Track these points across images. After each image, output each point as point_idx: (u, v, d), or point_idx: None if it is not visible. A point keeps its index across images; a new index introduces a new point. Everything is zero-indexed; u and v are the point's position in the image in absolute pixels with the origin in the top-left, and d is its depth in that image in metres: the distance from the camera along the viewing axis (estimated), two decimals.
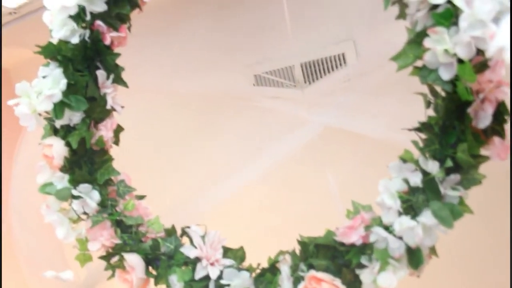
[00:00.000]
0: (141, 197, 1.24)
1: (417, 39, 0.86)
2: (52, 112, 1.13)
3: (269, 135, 1.72)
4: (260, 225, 1.97)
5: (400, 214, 0.94)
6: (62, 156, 1.16)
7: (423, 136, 0.95)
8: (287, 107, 1.76)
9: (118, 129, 1.24)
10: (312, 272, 1.00)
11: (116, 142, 1.25)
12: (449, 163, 0.88)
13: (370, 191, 1.02)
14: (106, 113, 1.20)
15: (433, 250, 0.95)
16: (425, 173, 0.92)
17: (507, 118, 0.86)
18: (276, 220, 1.94)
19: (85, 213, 1.17)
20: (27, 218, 1.60)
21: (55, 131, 1.18)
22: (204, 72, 1.94)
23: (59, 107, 1.12)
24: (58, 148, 1.15)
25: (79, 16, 1.13)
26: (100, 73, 1.17)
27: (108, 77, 1.18)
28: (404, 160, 0.96)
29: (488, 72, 0.80)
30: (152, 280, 1.16)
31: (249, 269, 1.11)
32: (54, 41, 1.15)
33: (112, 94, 1.19)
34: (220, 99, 1.95)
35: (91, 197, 1.15)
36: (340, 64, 1.84)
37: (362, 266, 0.97)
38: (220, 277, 1.10)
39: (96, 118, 1.19)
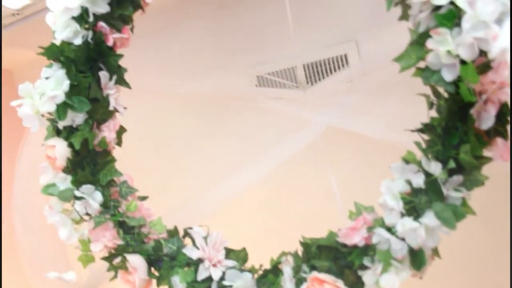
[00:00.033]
0: (143, 198, 1.24)
1: (419, 40, 0.86)
2: (55, 113, 1.13)
3: (271, 135, 1.72)
4: (262, 226, 1.97)
5: (402, 215, 0.94)
6: (65, 157, 1.16)
7: (426, 137, 0.95)
8: (289, 108, 1.76)
9: (121, 130, 1.25)
10: (315, 273, 1.00)
11: (119, 143, 1.25)
12: (451, 164, 0.88)
13: (372, 192, 1.02)
14: (108, 114, 1.20)
15: (435, 252, 0.95)
16: (427, 174, 0.92)
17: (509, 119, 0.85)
18: (278, 221, 1.94)
19: (87, 214, 1.17)
20: (30, 219, 1.60)
21: (58, 132, 1.18)
22: (206, 73, 1.94)
23: (62, 108, 1.13)
24: (60, 149, 1.15)
25: (82, 18, 1.13)
26: (103, 74, 1.17)
27: (110, 78, 1.18)
28: (406, 161, 0.96)
29: (491, 73, 0.80)
30: (154, 281, 1.16)
31: (252, 270, 1.11)
32: (57, 42, 1.15)
33: (115, 95, 1.19)
34: (222, 100, 1.95)
35: (93, 198, 1.15)
36: (343, 65, 1.84)
37: (364, 268, 0.97)
38: (222, 278, 1.10)
39: (99, 119, 1.19)
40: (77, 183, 1.16)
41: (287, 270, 1.06)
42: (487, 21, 0.76)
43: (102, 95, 1.18)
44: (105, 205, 1.17)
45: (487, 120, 0.84)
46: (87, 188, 1.16)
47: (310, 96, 1.76)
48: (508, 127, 0.85)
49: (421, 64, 0.86)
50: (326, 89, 1.77)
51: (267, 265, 1.11)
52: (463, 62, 0.80)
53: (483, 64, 0.80)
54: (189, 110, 2.09)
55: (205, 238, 1.13)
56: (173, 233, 1.20)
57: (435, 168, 0.90)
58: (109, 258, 1.18)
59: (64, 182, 1.17)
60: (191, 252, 1.12)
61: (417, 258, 0.92)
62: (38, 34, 1.30)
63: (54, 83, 1.13)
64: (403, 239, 0.92)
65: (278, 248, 1.12)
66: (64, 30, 1.13)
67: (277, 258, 1.10)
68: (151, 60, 1.89)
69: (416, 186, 0.93)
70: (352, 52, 1.82)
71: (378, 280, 0.93)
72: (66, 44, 1.14)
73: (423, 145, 0.94)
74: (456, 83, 0.83)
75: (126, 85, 1.21)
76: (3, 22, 1.80)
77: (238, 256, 1.13)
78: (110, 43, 1.17)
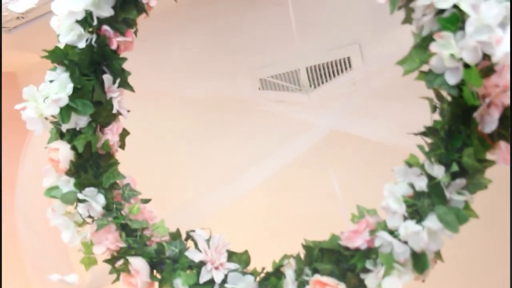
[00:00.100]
0: (146, 201, 1.24)
1: (423, 44, 0.86)
2: (59, 116, 1.14)
3: (274, 138, 1.72)
4: (265, 229, 1.97)
5: (405, 218, 0.94)
6: (68, 160, 1.16)
7: (429, 140, 0.95)
8: (292, 111, 1.76)
9: (124, 133, 1.25)
10: (317, 277, 1.00)
11: (122, 146, 1.26)
12: (454, 167, 0.88)
13: (375, 195, 1.02)
14: (112, 117, 1.21)
15: (438, 255, 0.95)
16: (430, 178, 0.92)
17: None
18: (281, 223, 1.94)
19: (90, 216, 1.17)
20: (33, 221, 1.60)
21: (61, 135, 1.18)
22: (209, 75, 1.94)
23: (66, 111, 1.13)
24: (64, 152, 1.15)
25: (86, 21, 1.13)
26: (107, 78, 1.18)
27: (114, 82, 1.19)
28: (409, 164, 0.96)
29: (494, 76, 0.80)
30: (156, 284, 1.16)
31: (254, 273, 1.11)
32: (61, 45, 1.16)
33: (118, 98, 1.19)
34: (225, 103, 1.96)
35: (96, 200, 1.15)
36: (346, 68, 1.84)
37: (367, 271, 0.97)
38: (224, 281, 1.10)
39: (102, 122, 1.20)
40: (80, 186, 1.16)
41: (289, 273, 1.06)
42: (490, 25, 0.76)
43: (106, 98, 1.18)
44: (107, 208, 1.17)
45: (490, 123, 0.84)
46: (90, 190, 1.16)
47: (313, 99, 1.76)
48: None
49: (425, 68, 0.86)
50: (329, 92, 1.77)
51: (269, 268, 1.11)
52: (466, 66, 0.80)
53: (487, 68, 0.80)
54: (191, 112, 2.10)
55: (208, 241, 1.13)
56: (175, 235, 1.20)
57: (438, 171, 0.90)
58: (111, 261, 1.18)
59: (67, 184, 1.17)
60: (193, 255, 1.12)
61: (419, 261, 0.92)
62: (42, 38, 1.31)
63: (58, 86, 1.13)
64: (405, 242, 0.92)
65: (280, 251, 1.12)
66: (68, 34, 1.14)
67: (279, 261, 1.10)
68: (155, 62, 1.90)
69: (419, 189, 0.93)
70: (355, 55, 1.82)
71: (381, 283, 0.93)
72: (70, 47, 1.15)
73: (426, 148, 0.94)
74: (460, 86, 0.83)
75: (130, 88, 1.22)
76: (8, 25, 1.81)
77: (240, 259, 1.13)
78: (114, 46, 1.17)
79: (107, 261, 1.18)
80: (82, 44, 1.15)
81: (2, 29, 1.84)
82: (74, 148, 1.16)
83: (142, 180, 1.29)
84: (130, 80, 1.23)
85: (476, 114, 0.84)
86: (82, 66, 1.15)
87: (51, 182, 1.19)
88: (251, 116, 1.90)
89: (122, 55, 1.21)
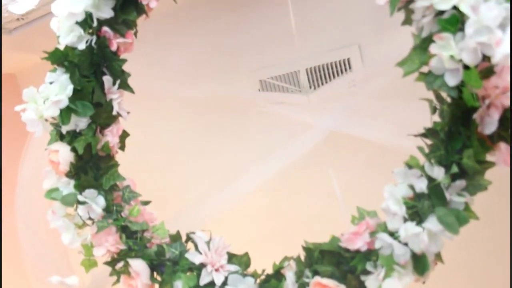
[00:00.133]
0: (146, 203, 1.24)
1: (423, 45, 0.86)
2: (59, 117, 1.14)
3: (274, 140, 1.72)
4: (265, 231, 1.96)
5: (405, 220, 0.94)
6: (68, 161, 1.16)
7: (429, 142, 0.95)
8: (292, 112, 1.76)
9: (124, 135, 1.25)
10: (317, 278, 1.00)
11: (122, 147, 1.26)
12: (454, 169, 0.87)
13: (375, 196, 1.02)
14: (112, 119, 1.21)
15: (438, 256, 0.95)
16: (430, 179, 0.92)
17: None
18: (281, 225, 1.94)
19: (90, 218, 1.17)
20: (33, 223, 1.60)
21: (61, 137, 1.19)
22: (209, 77, 1.94)
23: (66, 113, 1.13)
24: (64, 154, 1.16)
25: (86, 22, 1.14)
26: (107, 79, 1.18)
27: (114, 83, 1.19)
28: (409, 166, 0.96)
29: (494, 78, 0.80)
30: (157, 286, 1.16)
31: (254, 275, 1.11)
32: (61, 47, 1.16)
33: (118, 99, 1.19)
34: (225, 104, 1.95)
35: (96, 202, 1.15)
36: (346, 69, 1.84)
37: (367, 273, 0.97)
38: (225, 283, 1.10)
39: (102, 124, 1.20)
40: (80, 188, 1.16)
41: (289, 275, 1.06)
42: (490, 26, 0.76)
43: (106, 99, 1.18)
44: (108, 210, 1.17)
45: (490, 125, 0.84)
46: (90, 192, 1.16)
47: (313, 101, 1.75)
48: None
49: (424, 69, 0.86)
50: (329, 93, 1.77)
51: (270, 270, 1.11)
52: (466, 67, 0.80)
53: (486, 69, 0.80)
54: (191, 114, 2.10)
55: (208, 243, 1.13)
56: (175, 237, 1.20)
57: (438, 173, 0.90)
58: (111, 263, 1.18)
59: (67, 186, 1.17)
60: (193, 257, 1.12)
61: (420, 263, 0.92)
62: (42, 39, 1.31)
63: (58, 87, 1.13)
64: (406, 244, 0.92)
65: (280, 252, 1.12)
66: (68, 35, 1.14)
67: (279, 263, 1.10)
68: (154, 64, 1.90)
69: (419, 191, 0.93)
70: (355, 57, 1.82)
71: (381, 285, 0.93)
72: (70, 49, 1.15)
73: (426, 150, 0.94)
74: (459, 88, 0.83)
75: (130, 89, 1.22)
76: (8, 26, 1.81)
77: (240, 261, 1.13)
78: (113, 48, 1.17)
79: (107, 263, 1.18)
80: (82, 46, 1.15)
81: (2, 30, 1.84)
82: (74, 149, 1.16)
83: (142, 182, 1.29)
84: (130, 81, 1.23)
85: (476, 116, 0.84)
86: (82, 68, 1.16)
87: (51, 184, 1.19)
88: (251, 118, 1.90)
89: (122, 56, 1.21)
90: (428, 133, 0.94)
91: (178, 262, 1.15)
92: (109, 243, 1.15)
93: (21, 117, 1.15)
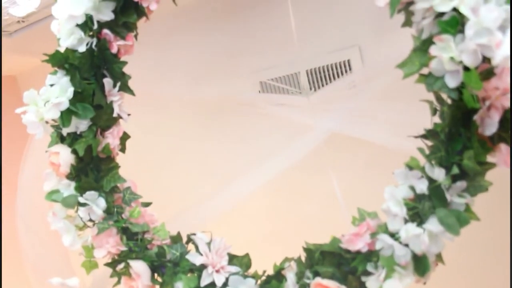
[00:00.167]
0: (147, 204, 1.24)
1: (423, 47, 0.86)
2: (59, 120, 1.14)
3: (274, 141, 1.72)
4: (265, 232, 1.97)
5: (406, 221, 0.94)
6: (69, 163, 1.16)
7: (429, 143, 0.95)
8: (292, 113, 1.76)
9: (124, 137, 1.25)
10: (318, 280, 1.00)
11: (123, 149, 1.26)
12: (455, 170, 0.88)
13: (375, 197, 1.02)
14: (112, 121, 1.21)
15: (439, 257, 0.95)
16: (431, 180, 0.92)
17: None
18: (281, 226, 1.94)
19: (91, 220, 1.17)
20: (34, 225, 1.60)
21: (62, 139, 1.19)
22: (209, 78, 1.94)
23: (66, 115, 1.13)
24: (64, 156, 1.16)
25: (86, 25, 1.14)
26: (107, 81, 1.18)
27: (114, 85, 1.19)
28: (410, 167, 0.96)
29: (494, 79, 0.80)
30: (157, 287, 1.16)
31: (255, 276, 1.11)
32: (62, 49, 1.16)
33: (119, 102, 1.19)
34: (226, 106, 1.96)
35: (97, 204, 1.16)
36: (346, 71, 1.84)
37: (368, 274, 0.97)
38: (225, 284, 1.10)
39: (103, 126, 1.20)
40: (81, 190, 1.16)
41: (290, 276, 1.06)
42: (490, 28, 0.77)
43: (106, 102, 1.18)
44: (108, 211, 1.17)
45: (490, 126, 0.84)
46: (90, 194, 1.16)
47: (313, 102, 1.76)
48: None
49: (424, 71, 0.87)
50: (329, 95, 1.77)
51: (270, 271, 1.11)
52: (466, 69, 0.80)
53: (487, 71, 0.80)
54: (191, 115, 2.10)
55: (208, 244, 1.13)
56: (176, 239, 1.20)
57: (439, 174, 0.90)
58: (112, 264, 1.18)
59: (68, 188, 1.17)
60: (194, 258, 1.12)
61: (420, 264, 0.92)
62: (42, 41, 1.31)
63: (59, 90, 1.13)
64: (406, 245, 0.92)
65: (281, 254, 1.12)
66: (69, 38, 1.14)
67: (280, 264, 1.10)
68: (154, 66, 1.90)
69: (420, 192, 0.93)
70: (355, 58, 1.82)
71: (382, 286, 0.93)
72: (71, 51, 1.15)
73: (427, 151, 0.94)
74: (460, 89, 0.83)
75: (130, 92, 1.22)
76: (8, 29, 1.82)
77: (241, 262, 1.13)
78: (114, 50, 1.17)
79: (108, 264, 1.18)
80: (82, 48, 1.15)
81: (3, 33, 1.84)
82: (74, 151, 1.17)
83: (143, 183, 1.29)
84: (131, 83, 1.23)
85: (476, 117, 0.84)
86: (82, 70, 1.16)
87: (52, 186, 1.20)
88: (252, 119, 1.90)
89: (123, 58, 1.21)
90: (428, 134, 0.94)
91: (178, 264, 1.15)
92: (110, 244, 1.15)
93: (21, 120, 1.15)
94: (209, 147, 2.02)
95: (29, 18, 1.74)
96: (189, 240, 1.18)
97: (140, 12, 1.18)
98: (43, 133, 1.16)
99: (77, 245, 1.19)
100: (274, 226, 1.96)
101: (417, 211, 0.93)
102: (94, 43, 1.15)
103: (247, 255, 1.14)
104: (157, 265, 1.16)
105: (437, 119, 0.94)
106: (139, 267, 1.13)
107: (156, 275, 1.16)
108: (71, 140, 1.18)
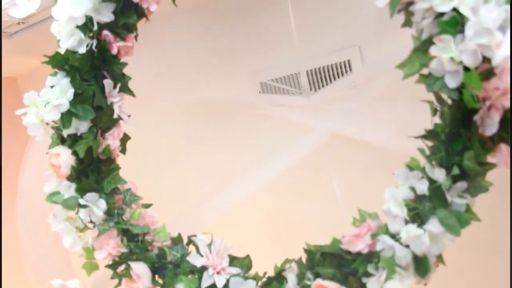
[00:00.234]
0: (147, 206, 1.24)
1: (423, 47, 0.86)
2: (60, 121, 1.14)
3: (275, 142, 1.72)
4: (266, 233, 1.96)
5: (406, 222, 0.94)
6: (69, 165, 1.16)
7: (430, 143, 0.95)
8: (292, 114, 1.76)
9: (125, 138, 1.25)
10: (319, 281, 1.00)
11: (123, 151, 1.26)
12: (455, 170, 0.88)
13: (376, 198, 1.02)
14: (113, 122, 1.21)
15: (440, 258, 0.95)
16: (431, 181, 0.92)
17: None
18: (282, 227, 1.93)
19: (91, 221, 1.17)
20: (34, 227, 1.60)
21: (62, 140, 1.19)
22: (209, 79, 1.94)
23: (67, 117, 1.13)
24: (65, 157, 1.16)
25: (86, 26, 1.14)
26: (107, 83, 1.18)
27: (115, 87, 1.19)
28: (410, 167, 0.96)
29: (494, 79, 0.80)
30: None
31: (256, 278, 1.11)
32: (62, 51, 1.16)
33: (119, 103, 1.19)
34: (226, 107, 1.96)
35: (97, 206, 1.16)
36: (346, 71, 1.84)
37: (368, 275, 0.97)
38: (226, 285, 1.10)
39: (103, 127, 1.20)
40: (81, 191, 1.16)
41: (291, 277, 1.06)
42: (490, 28, 0.77)
43: (106, 103, 1.18)
44: (109, 213, 1.17)
45: (490, 126, 0.84)
46: (91, 196, 1.16)
47: (313, 103, 1.76)
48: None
49: (425, 71, 0.86)
50: (330, 95, 1.77)
51: (271, 273, 1.11)
52: (466, 69, 0.80)
53: (487, 71, 0.80)
54: (192, 116, 2.10)
55: (209, 245, 1.13)
56: (177, 240, 1.20)
57: (439, 174, 0.90)
58: (113, 266, 1.18)
59: (68, 190, 1.17)
60: (195, 260, 1.12)
61: (421, 265, 0.92)
62: (42, 43, 1.31)
63: (59, 91, 1.13)
64: (407, 246, 0.92)
65: (282, 255, 1.12)
66: (69, 39, 1.14)
67: (281, 265, 1.10)
68: (154, 67, 1.90)
69: (420, 193, 0.93)
70: (355, 58, 1.82)
71: (382, 287, 0.93)
72: (71, 52, 1.15)
73: (427, 152, 0.94)
74: (460, 89, 0.83)
75: (130, 93, 1.22)
76: (8, 30, 1.82)
77: (242, 263, 1.13)
78: (114, 51, 1.17)
79: (108, 266, 1.18)
80: (82, 49, 1.15)
81: (3, 34, 1.84)
82: (75, 153, 1.17)
83: (144, 184, 1.29)
84: (131, 84, 1.23)
85: (476, 117, 0.84)
86: (82, 71, 1.16)
87: (52, 187, 1.20)
88: (252, 120, 1.90)
89: (123, 60, 1.21)
90: (428, 134, 0.94)
91: (179, 265, 1.15)
92: (111, 246, 1.15)
93: (22, 121, 1.15)
94: (209, 148, 2.02)
95: (29, 20, 1.75)
96: (190, 241, 1.18)
97: (140, 13, 1.18)
98: (44, 135, 1.16)
99: (77, 247, 1.19)
100: (275, 227, 1.96)
101: (417, 212, 0.93)
102: (94, 45, 1.15)
103: (247, 256, 1.14)
104: (158, 267, 1.15)
105: (437, 120, 0.93)
106: (139, 268, 1.13)
107: (156, 276, 1.16)
108: (72, 141, 1.18)
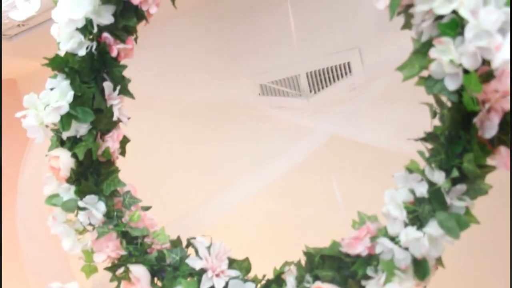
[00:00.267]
0: (146, 208, 1.24)
1: (422, 50, 0.86)
2: (59, 123, 1.14)
3: (274, 144, 1.72)
4: (265, 235, 1.96)
5: (406, 224, 0.93)
6: (69, 167, 1.16)
7: (429, 146, 0.95)
8: (292, 116, 1.76)
9: (124, 140, 1.25)
10: (318, 283, 1.00)
11: (122, 153, 1.26)
12: (455, 173, 0.87)
13: (375, 200, 1.01)
14: (112, 125, 1.21)
15: (439, 261, 0.95)
16: (431, 184, 0.92)
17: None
18: (282, 230, 1.93)
19: (91, 224, 1.17)
20: (34, 229, 1.60)
21: (61, 143, 1.19)
22: (209, 81, 1.94)
23: (66, 119, 1.13)
24: (64, 160, 1.16)
25: (86, 29, 1.14)
26: (107, 85, 1.18)
27: (114, 89, 1.19)
28: (410, 170, 0.96)
29: (494, 82, 0.80)
30: None
31: (255, 280, 1.11)
32: (62, 53, 1.16)
33: (119, 105, 1.20)
34: (226, 109, 1.95)
35: (97, 208, 1.15)
36: (346, 73, 1.84)
37: (368, 277, 0.96)
38: None
39: (103, 130, 1.20)
40: (81, 194, 1.16)
41: (290, 280, 1.06)
42: (489, 31, 0.77)
43: (106, 105, 1.18)
44: (108, 216, 1.17)
45: (490, 129, 0.84)
46: (90, 198, 1.16)
47: (313, 105, 1.76)
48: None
49: (424, 73, 0.86)
50: (329, 98, 1.77)
51: (270, 275, 1.11)
52: (466, 71, 0.80)
53: (486, 73, 0.80)
54: (191, 118, 2.10)
55: (208, 248, 1.13)
56: (176, 243, 1.20)
57: (439, 177, 0.90)
58: (112, 269, 1.18)
59: (68, 192, 1.17)
60: (194, 262, 1.12)
61: (420, 268, 0.92)
62: (42, 45, 1.31)
63: (59, 94, 1.13)
64: (406, 249, 0.92)
65: (281, 257, 1.12)
66: (69, 41, 1.14)
67: (280, 268, 1.10)
68: (154, 68, 1.90)
69: (420, 195, 0.93)
70: (355, 60, 1.82)
71: None
72: (71, 55, 1.15)
73: (427, 154, 0.94)
74: (459, 92, 0.83)
75: (130, 95, 1.22)
76: (8, 33, 1.82)
77: (241, 266, 1.13)
78: (114, 53, 1.17)
79: (107, 269, 1.18)
80: (82, 52, 1.15)
81: (3, 36, 1.85)
82: (74, 155, 1.16)
83: (143, 187, 1.28)
84: (131, 87, 1.23)
85: (476, 120, 0.84)
86: (82, 74, 1.16)
87: (51, 190, 1.19)
88: (252, 122, 1.90)
89: (122, 62, 1.21)
90: (428, 137, 0.94)
91: (178, 268, 1.15)
92: (110, 249, 1.15)
93: (21, 123, 1.15)
94: (209, 150, 2.02)
95: (29, 22, 1.75)
96: (189, 244, 1.17)
97: (140, 15, 1.18)
98: (43, 137, 1.16)
99: (76, 250, 1.19)
100: (274, 229, 1.96)
101: (417, 215, 0.92)
102: (94, 47, 1.15)
103: (247, 259, 1.14)
104: (157, 269, 1.15)
105: (437, 122, 0.93)
106: (138, 271, 1.13)
107: (156, 279, 1.16)
108: (71, 144, 1.18)
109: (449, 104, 0.89)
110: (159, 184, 1.93)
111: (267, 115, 1.81)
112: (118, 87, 1.20)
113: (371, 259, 0.96)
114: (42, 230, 1.32)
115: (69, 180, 1.17)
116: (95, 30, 1.14)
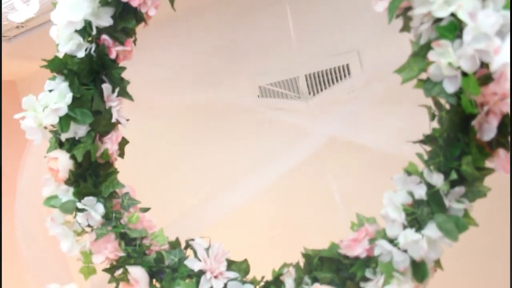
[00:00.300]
0: (145, 210, 1.24)
1: (421, 52, 0.86)
2: (58, 125, 1.14)
3: (273, 146, 1.72)
4: (264, 237, 1.96)
5: (404, 227, 0.93)
6: (67, 169, 1.16)
7: (428, 148, 0.95)
8: (291, 118, 1.76)
9: (123, 142, 1.25)
10: (317, 285, 1.00)
11: (121, 155, 1.26)
12: (453, 175, 0.87)
13: (374, 202, 1.01)
14: (111, 126, 1.21)
15: (438, 263, 0.95)
16: (429, 186, 0.92)
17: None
18: (280, 231, 1.93)
19: (89, 225, 1.17)
20: (32, 230, 1.60)
21: (60, 144, 1.19)
22: (208, 83, 1.95)
23: (65, 121, 1.13)
24: (63, 161, 1.16)
25: (85, 31, 1.14)
26: (106, 87, 1.18)
27: (113, 91, 1.19)
28: (408, 172, 0.96)
29: (492, 84, 0.80)
30: None
31: (253, 282, 1.11)
32: (60, 55, 1.16)
33: (117, 107, 1.20)
34: (224, 111, 1.96)
35: (95, 209, 1.15)
36: (345, 75, 1.84)
37: (366, 279, 0.96)
38: None
39: (101, 131, 1.20)
40: (79, 195, 1.16)
41: (289, 281, 1.06)
42: (488, 33, 0.77)
43: (105, 107, 1.19)
44: (107, 217, 1.17)
45: (489, 131, 0.84)
46: (89, 200, 1.16)
47: (312, 107, 1.76)
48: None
49: (423, 76, 0.87)
50: (328, 100, 1.77)
51: (269, 277, 1.11)
52: (464, 74, 0.80)
53: (485, 76, 0.80)
54: (191, 120, 2.10)
55: (207, 249, 1.13)
56: (175, 244, 1.19)
57: (437, 179, 0.90)
58: (110, 270, 1.18)
59: (66, 194, 1.17)
60: (192, 264, 1.12)
61: (419, 270, 0.92)
62: (41, 47, 1.32)
63: (57, 95, 1.13)
64: (405, 251, 0.92)
65: (279, 259, 1.12)
66: (68, 43, 1.14)
67: (278, 269, 1.10)
68: (153, 71, 1.90)
69: (418, 198, 0.93)
70: (354, 62, 1.82)
71: None
72: (69, 57, 1.15)
73: (425, 157, 0.94)
74: (458, 94, 0.83)
75: (129, 97, 1.22)
76: (7, 34, 1.82)
77: (239, 267, 1.13)
78: (113, 55, 1.17)
79: (106, 270, 1.18)
80: (81, 54, 1.15)
81: (2, 38, 1.85)
82: (73, 157, 1.16)
83: (142, 188, 1.28)
84: (129, 88, 1.23)
85: (474, 122, 0.84)
86: (81, 76, 1.16)
87: (50, 191, 1.19)
88: (251, 124, 1.90)
89: (121, 64, 1.21)
90: (427, 139, 0.94)
91: (177, 269, 1.14)
92: (108, 250, 1.15)
93: (20, 124, 1.15)
94: (207, 152, 2.02)
95: (28, 24, 1.75)
96: (188, 245, 1.17)
97: (139, 17, 1.18)
98: (42, 139, 1.16)
99: (75, 251, 1.19)
100: (273, 231, 1.96)
101: (415, 217, 0.92)
102: (93, 49, 1.16)
103: (245, 260, 1.14)
104: (156, 271, 1.15)
105: (435, 124, 0.94)
106: (137, 273, 1.13)
107: (154, 280, 1.16)
108: (70, 145, 1.18)
109: (447, 106, 0.90)
110: (158, 185, 1.93)
111: (266, 117, 1.82)
112: (117, 89, 1.20)
113: (369, 261, 0.96)
114: (41, 231, 1.32)
115: (68, 182, 1.17)
116: (94, 32, 1.14)
